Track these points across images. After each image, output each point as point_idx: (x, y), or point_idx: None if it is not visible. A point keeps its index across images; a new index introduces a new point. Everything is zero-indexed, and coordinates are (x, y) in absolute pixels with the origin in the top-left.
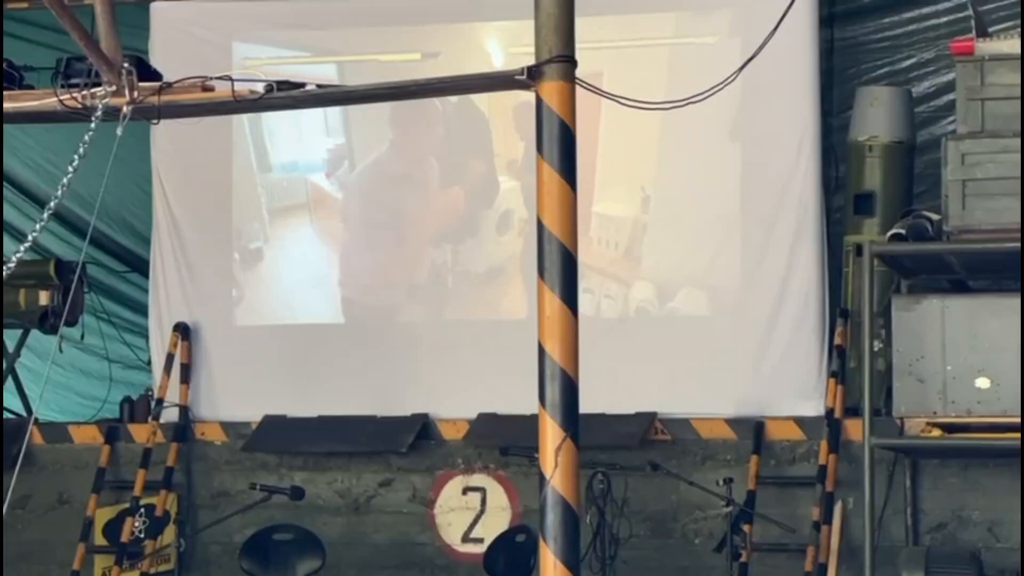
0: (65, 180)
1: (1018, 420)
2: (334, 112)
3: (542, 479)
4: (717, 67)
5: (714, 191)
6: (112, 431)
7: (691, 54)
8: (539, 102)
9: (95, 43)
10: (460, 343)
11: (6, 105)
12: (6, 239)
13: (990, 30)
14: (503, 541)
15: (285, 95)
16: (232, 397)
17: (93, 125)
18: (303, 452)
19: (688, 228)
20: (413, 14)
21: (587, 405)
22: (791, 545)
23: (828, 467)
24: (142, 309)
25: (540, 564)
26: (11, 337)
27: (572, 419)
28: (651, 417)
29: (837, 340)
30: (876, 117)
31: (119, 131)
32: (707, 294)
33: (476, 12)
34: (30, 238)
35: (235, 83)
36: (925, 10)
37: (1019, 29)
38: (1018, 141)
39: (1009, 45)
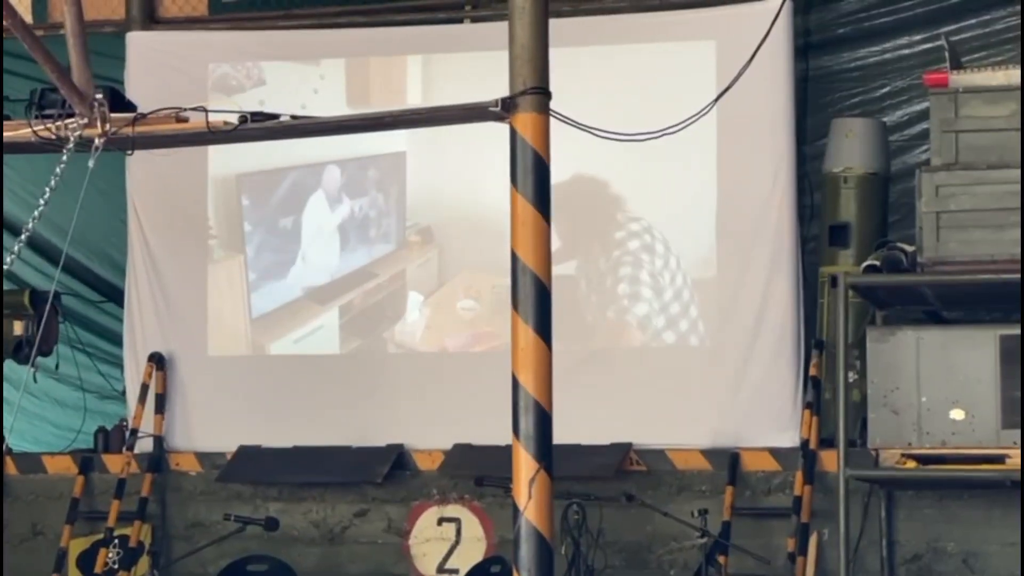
0: (36, 213)
1: (992, 451)
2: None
3: (516, 511)
4: (693, 98)
5: (690, 222)
6: (86, 461)
7: (667, 85)
8: (513, 134)
9: (67, 75)
10: (436, 374)
11: None
12: None
13: (963, 60)
14: (478, 572)
15: (259, 126)
16: (207, 427)
17: (65, 157)
18: (278, 483)
19: (664, 258)
20: (390, 46)
21: (562, 436)
22: None
23: (803, 498)
24: (117, 339)
25: None
26: None
27: (546, 450)
28: (626, 448)
29: (812, 371)
30: (851, 148)
31: (91, 163)
32: (682, 325)
33: (456, 44)
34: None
35: (209, 114)
36: (899, 40)
37: (991, 61)
38: (991, 173)
39: (983, 77)
